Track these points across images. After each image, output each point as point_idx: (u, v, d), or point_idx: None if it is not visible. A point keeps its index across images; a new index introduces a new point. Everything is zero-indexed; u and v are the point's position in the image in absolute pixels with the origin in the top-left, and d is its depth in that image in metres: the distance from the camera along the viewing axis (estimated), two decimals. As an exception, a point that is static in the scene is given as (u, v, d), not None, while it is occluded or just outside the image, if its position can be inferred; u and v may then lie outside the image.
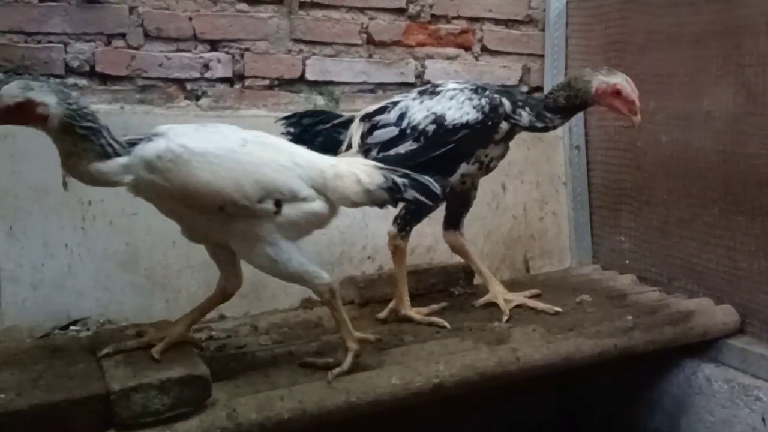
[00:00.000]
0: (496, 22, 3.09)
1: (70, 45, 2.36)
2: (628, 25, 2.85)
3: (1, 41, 2.28)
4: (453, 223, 2.40)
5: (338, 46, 2.79)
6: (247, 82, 2.64)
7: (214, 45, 2.58)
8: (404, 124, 2.18)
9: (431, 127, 2.15)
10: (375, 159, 2.13)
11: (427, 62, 2.97)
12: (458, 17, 3.01)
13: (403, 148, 2.17)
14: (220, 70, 2.58)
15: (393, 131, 2.19)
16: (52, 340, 2.04)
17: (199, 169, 1.69)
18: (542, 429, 2.86)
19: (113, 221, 2.25)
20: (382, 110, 2.24)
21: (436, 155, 2.15)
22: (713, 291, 2.51)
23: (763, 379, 2.27)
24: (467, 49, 3.05)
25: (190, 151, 1.70)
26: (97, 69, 2.39)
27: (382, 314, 2.34)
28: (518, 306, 2.38)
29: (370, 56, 2.86)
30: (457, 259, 2.76)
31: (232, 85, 2.62)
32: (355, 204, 1.91)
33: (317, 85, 2.76)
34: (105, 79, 2.40)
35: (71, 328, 2.17)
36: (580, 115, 2.83)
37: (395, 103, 2.24)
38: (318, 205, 1.85)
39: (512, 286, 2.53)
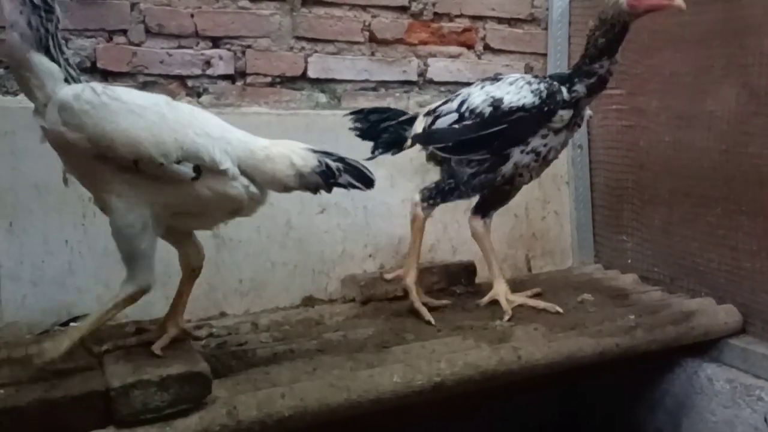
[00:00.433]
0: (499, 20, 3.08)
1: (71, 41, 2.34)
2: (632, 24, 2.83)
3: (1, 36, 2.27)
4: (484, 211, 2.39)
5: (340, 43, 2.78)
6: (249, 80, 2.63)
7: (215, 42, 2.57)
8: (463, 108, 2.23)
9: (488, 110, 2.18)
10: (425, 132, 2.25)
11: (430, 60, 2.96)
12: (461, 15, 3.00)
13: (456, 124, 2.22)
14: (221, 67, 2.57)
15: (453, 117, 2.24)
16: (52, 336, 2.03)
17: (117, 115, 1.61)
18: (544, 428, 2.85)
19: (114, 218, 2.24)
20: (445, 102, 2.32)
21: (487, 134, 2.17)
22: (715, 291, 2.50)
23: (765, 379, 2.26)
24: (470, 47, 3.04)
25: (111, 95, 1.63)
26: (99, 65, 2.38)
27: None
28: (520, 305, 2.37)
29: (373, 54, 2.85)
30: (459, 257, 2.77)
31: (233, 83, 2.61)
32: (287, 188, 1.87)
33: (319, 83, 2.75)
34: (106, 75, 2.39)
35: (71, 324, 2.16)
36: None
37: (459, 94, 2.30)
38: (237, 187, 1.77)
39: (514, 285, 2.52)
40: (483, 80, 2.32)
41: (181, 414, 1.64)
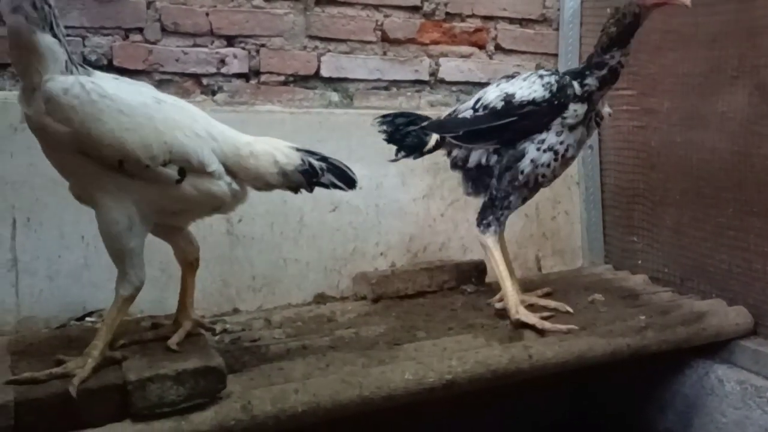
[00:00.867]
0: (511, 20, 3.09)
1: (88, 39, 2.37)
2: (643, 24, 2.83)
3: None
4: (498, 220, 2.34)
5: (353, 43, 2.80)
6: (263, 78, 2.65)
7: (230, 40, 2.59)
8: (478, 104, 2.26)
9: (500, 104, 2.21)
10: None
11: (441, 60, 2.97)
12: (473, 16, 3.01)
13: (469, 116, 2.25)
14: (236, 66, 2.59)
15: (468, 113, 2.27)
16: (67, 331, 2.05)
17: (105, 114, 1.59)
18: (554, 427, 2.85)
19: (129, 214, 2.26)
20: (463, 102, 2.35)
21: (497, 125, 2.19)
22: (726, 292, 2.51)
23: (776, 380, 2.27)
24: (481, 47, 3.05)
25: (100, 92, 1.61)
26: (115, 63, 2.40)
27: (498, 304, 2.35)
28: (531, 305, 2.37)
29: (385, 54, 2.86)
30: (470, 256, 2.78)
31: (247, 81, 2.63)
32: (269, 185, 1.87)
33: (332, 82, 2.77)
34: (122, 73, 2.39)
35: (87, 319, 2.18)
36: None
37: (477, 94, 2.34)
38: (221, 186, 1.78)
39: (524, 284, 2.52)
40: (500, 79, 2.35)
41: (196, 408, 1.66)
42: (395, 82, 2.89)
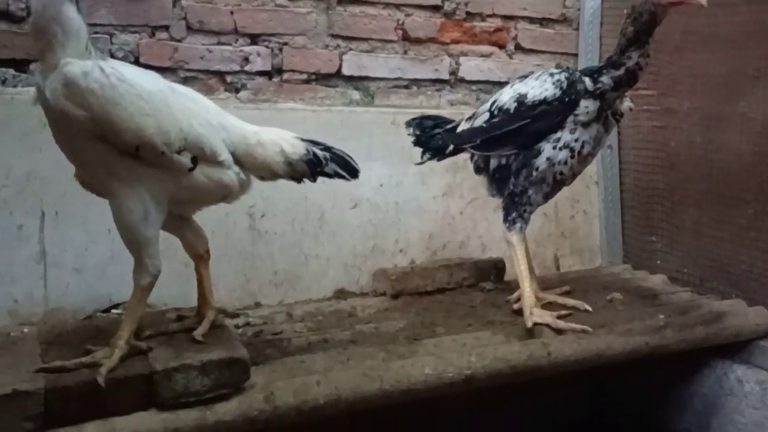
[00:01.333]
0: (531, 20, 3.10)
1: (116, 36, 2.42)
2: (663, 25, 2.83)
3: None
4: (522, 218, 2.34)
5: (374, 42, 2.82)
6: (285, 76, 2.68)
7: (254, 39, 2.62)
8: (494, 106, 2.28)
9: (513, 105, 2.22)
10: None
11: (461, 59, 2.99)
12: (493, 15, 3.03)
13: (484, 123, 2.27)
14: (259, 64, 2.63)
15: (485, 116, 2.29)
16: (95, 322, 2.09)
17: (124, 98, 1.59)
18: (573, 425, 2.85)
19: (154, 209, 2.30)
20: (483, 105, 2.37)
21: (513, 129, 2.20)
22: (746, 292, 2.50)
23: (796, 381, 2.26)
24: (501, 47, 3.07)
25: (120, 77, 1.60)
26: (141, 60, 2.44)
27: (516, 305, 2.35)
28: (549, 303, 2.38)
29: (406, 52, 2.88)
30: (489, 254, 2.80)
31: (270, 79, 2.66)
32: (274, 175, 1.88)
33: (353, 80, 2.80)
34: (149, 70, 2.45)
35: (113, 311, 2.22)
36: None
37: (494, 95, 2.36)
38: (230, 175, 1.80)
39: (543, 283, 2.54)
40: (515, 79, 2.36)
41: (220, 398, 1.69)
42: (416, 81, 2.91)
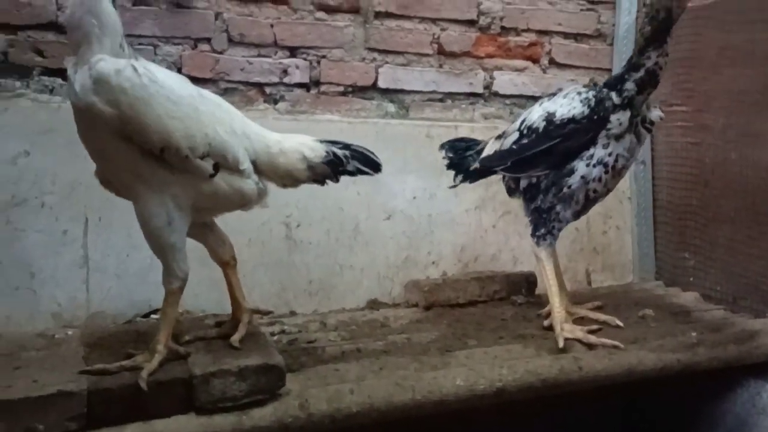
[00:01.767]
0: (565, 35, 3.11)
1: (159, 47, 2.49)
2: (699, 41, 2.84)
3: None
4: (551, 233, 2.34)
5: (410, 55, 2.86)
6: (323, 88, 2.73)
7: (292, 51, 2.68)
8: (523, 126, 2.28)
9: (542, 124, 2.22)
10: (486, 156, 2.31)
11: (496, 73, 3.01)
12: (528, 30, 3.04)
13: (514, 144, 2.27)
14: (297, 76, 2.68)
15: (515, 136, 2.30)
16: (135, 326, 2.15)
17: (155, 99, 1.60)
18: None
19: (193, 218, 2.35)
20: (512, 123, 2.38)
21: (543, 149, 2.21)
22: (780, 311, 2.48)
23: (831, 402, 2.24)
24: (535, 61, 3.08)
25: (151, 77, 1.61)
26: (184, 71, 2.50)
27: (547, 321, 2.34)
28: (581, 318, 2.38)
29: (441, 66, 2.92)
30: (520, 268, 2.81)
31: (308, 91, 2.71)
32: (296, 181, 1.89)
33: (388, 93, 2.84)
34: (190, 81, 2.52)
35: (152, 316, 2.28)
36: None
37: (522, 113, 2.37)
38: (249, 184, 1.81)
39: (574, 297, 2.54)
40: (544, 98, 2.36)
41: (256, 404, 1.72)
42: (450, 95, 2.94)
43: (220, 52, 2.57)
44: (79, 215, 2.28)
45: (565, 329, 2.20)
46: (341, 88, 2.76)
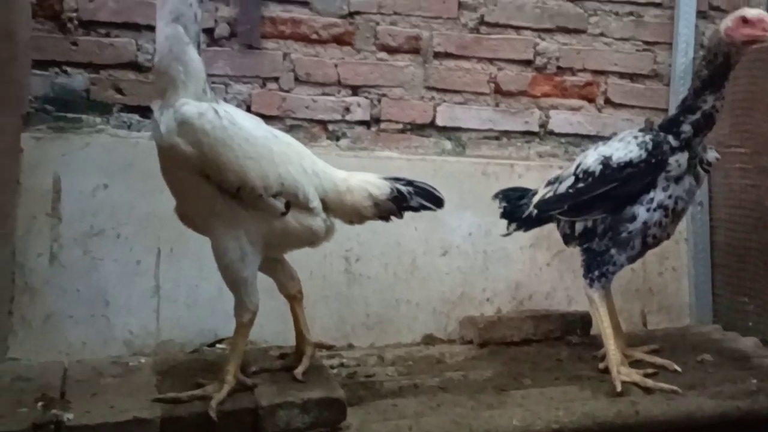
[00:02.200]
0: (621, 75, 3.13)
1: (230, 86, 2.60)
2: (756, 84, 2.83)
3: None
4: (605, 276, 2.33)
5: (467, 94, 2.92)
6: (383, 126, 2.81)
7: (355, 90, 2.77)
8: (578, 170, 2.29)
9: (598, 168, 2.23)
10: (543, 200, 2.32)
11: (551, 112, 3.05)
12: (583, 70, 3.07)
13: (571, 189, 2.28)
14: (359, 114, 2.77)
15: (570, 180, 2.30)
16: (204, 355, 2.23)
17: (233, 140, 1.68)
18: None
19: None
20: (566, 168, 2.39)
21: (600, 193, 2.22)
22: (843, 360, 2.44)
23: None
24: (591, 100, 3.10)
25: (231, 120, 1.69)
26: (252, 108, 2.61)
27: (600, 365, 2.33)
28: (637, 361, 2.37)
29: (497, 105, 2.97)
30: (575, 307, 2.81)
31: (368, 128, 2.80)
32: (363, 218, 1.95)
33: (446, 131, 2.90)
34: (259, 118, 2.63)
35: (217, 345, 2.36)
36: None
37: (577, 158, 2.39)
38: (318, 222, 1.87)
39: (629, 339, 2.53)
40: (599, 142, 2.38)
41: (319, 436, 1.77)
42: (506, 133, 2.98)
43: (287, 91, 2.68)
44: (153, 246, 2.39)
45: (622, 372, 2.19)
46: (400, 126, 2.83)
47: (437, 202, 2.03)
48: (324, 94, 2.73)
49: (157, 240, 2.39)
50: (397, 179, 2.01)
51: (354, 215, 1.96)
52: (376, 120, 2.81)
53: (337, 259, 2.56)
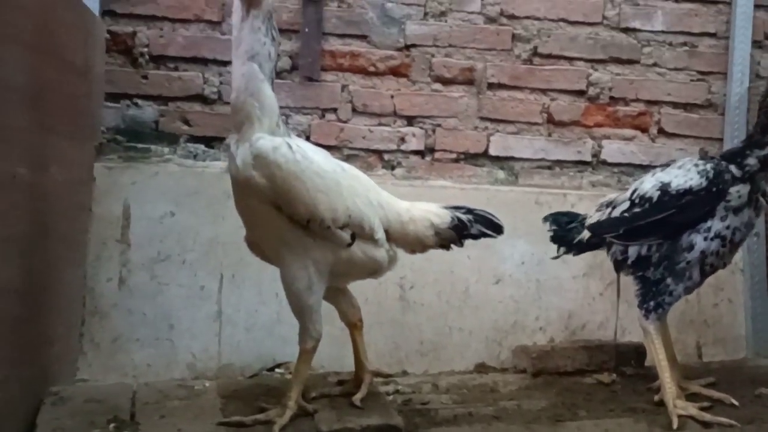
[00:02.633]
0: (675, 105, 3.13)
1: (291, 117, 2.69)
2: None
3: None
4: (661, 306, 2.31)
5: (520, 124, 2.96)
6: (437, 155, 2.87)
7: (410, 120, 2.84)
8: (635, 195, 2.29)
9: (656, 194, 2.23)
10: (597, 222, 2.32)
11: (604, 142, 3.06)
12: (636, 100, 3.08)
13: (626, 213, 2.28)
14: (414, 143, 2.84)
15: (625, 205, 2.31)
16: (265, 380, 2.29)
17: (305, 174, 1.75)
18: None
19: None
20: (623, 192, 2.40)
21: (656, 219, 2.21)
22: None
23: None
24: (644, 130, 3.11)
25: (303, 154, 1.76)
26: (312, 138, 2.70)
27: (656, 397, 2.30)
28: (693, 394, 2.34)
29: (550, 135, 3.00)
30: (629, 338, 2.80)
31: (423, 157, 2.86)
32: (425, 247, 1.99)
33: (499, 160, 2.94)
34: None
35: (276, 370, 2.42)
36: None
37: (633, 183, 2.39)
38: (382, 252, 1.92)
39: (685, 371, 2.51)
40: (656, 168, 2.38)
41: (378, 463, 1.82)
42: (558, 162, 3.01)
43: (345, 121, 2.76)
44: (216, 272, 2.47)
45: (678, 406, 2.18)
46: (454, 155, 2.88)
47: (497, 228, 2.08)
48: (380, 124, 2.80)
49: (220, 266, 2.48)
50: (456, 208, 2.06)
51: (416, 244, 2.01)
52: (431, 149, 2.86)
53: (392, 286, 2.61)
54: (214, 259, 2.47)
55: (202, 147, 2.62)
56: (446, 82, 2.87)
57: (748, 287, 3.00)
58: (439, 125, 2.86)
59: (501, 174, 2.94)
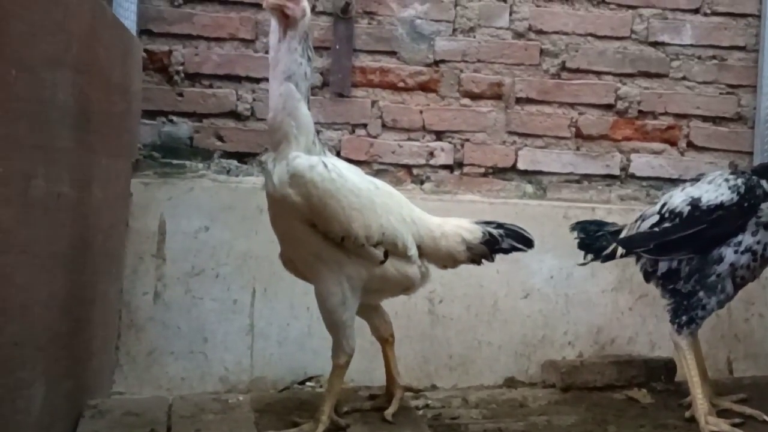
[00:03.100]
0: (704, 118, 3.11)
1: (322, 132, 2.73)
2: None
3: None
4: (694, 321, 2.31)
5: (548, 138, 2.97)
6: (465, 170, 2.89)
7: (439, 135, 2.87)
8: (664, 209, 2.30)
9: (687, 209, 2.23)
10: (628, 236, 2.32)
11: (633, 156, 3.05)
12: (665, 113, 3.08)
13: (655, 227, 2.29)
14: (442, 158, 2.86)
15: (654, 219, 2.31)
16: (297, 394, 2.33)
17: (340, 192, 1.78)
18: None
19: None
20: (652, 206, 2.40)
21: (687, 234, 2.21)
22: None
23: None
24: (673, 144, 3.10)
25: (339, 173, 1.79)
26: (342, 153, 2.74)
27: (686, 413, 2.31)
28: (724, 410, 2.34)
29: (578, 149, 3.00)
30: (659, 353, 2.80)
31: (452, 172, 2.88)
32: (456, 262, 2.00)
33: (527, 174, 2.95)
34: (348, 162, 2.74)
35: (307, 383, 2.46)
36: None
37: (663, 197, 2.40)
38: (414, 269, 1.94)
39: (716, 387, 2.50)
40: (685, 183, 2.38)
41: (411, 478, 1.84)
42: (587, 176, 3.01)
43: (375, 137, 2.80)
44: (248, 286, 2.52)
45: (710, 422, 2.18)
46: (482, 170, 2.90)
47: (527, 242, 2.09)
48: (409, 139, 2.83)
49: (253, 280, 2.52)
50: (487, 223, 2.08)
51: (448, 260, 2.03)
52: (459, 164, 2.89)
53: (421, 300, 2.63)
54: (247, 273, 2.52)
55: (235, 162, 2.67)
56: (475, 97, 2.90)
57: (780, 302, 2.98)
58: (467, 140, 2.89)
59: (529, 188, 2.95)
